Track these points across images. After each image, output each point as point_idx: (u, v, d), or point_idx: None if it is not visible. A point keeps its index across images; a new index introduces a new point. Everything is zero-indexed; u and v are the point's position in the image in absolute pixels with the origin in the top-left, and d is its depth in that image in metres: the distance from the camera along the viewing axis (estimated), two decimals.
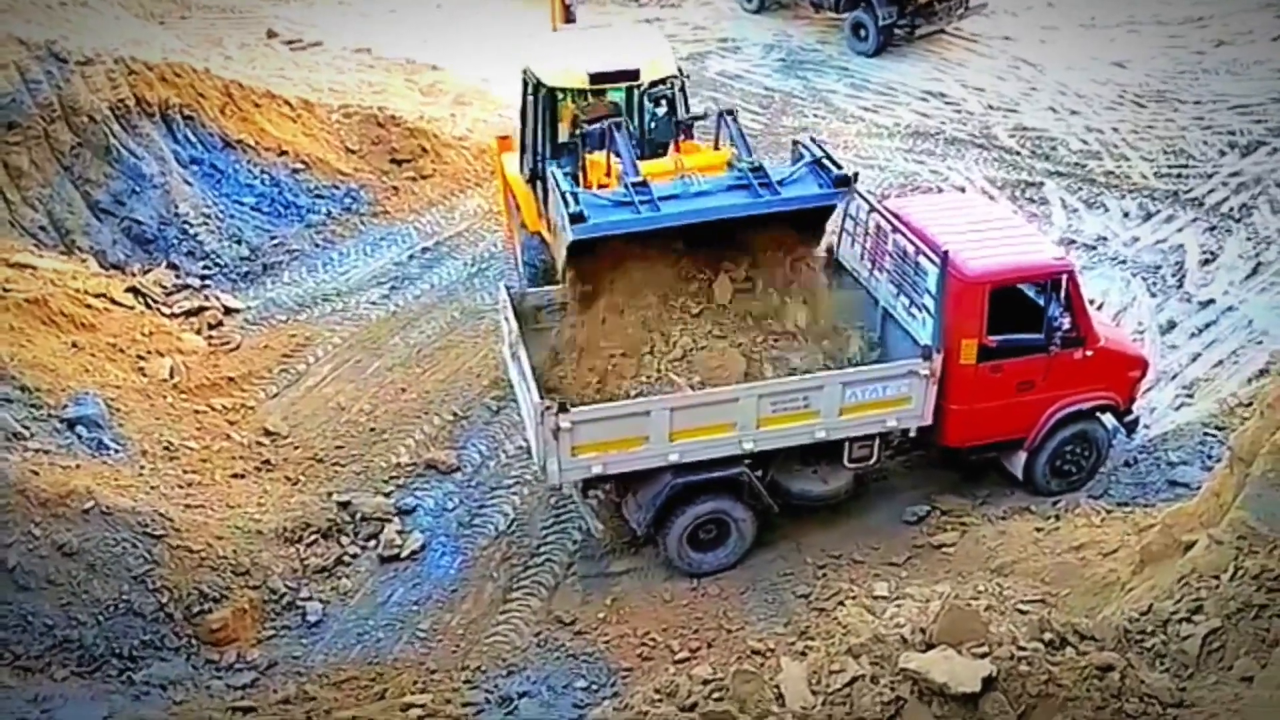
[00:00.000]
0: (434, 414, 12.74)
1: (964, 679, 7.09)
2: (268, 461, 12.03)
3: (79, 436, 11.20)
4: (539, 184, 12.94)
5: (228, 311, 14.45)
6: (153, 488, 10.94)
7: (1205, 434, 11.69)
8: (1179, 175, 17.03)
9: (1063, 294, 10.55)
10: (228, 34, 21.00)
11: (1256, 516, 7.68)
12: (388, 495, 11.65)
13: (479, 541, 11.19)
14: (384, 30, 22.53)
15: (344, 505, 11.41)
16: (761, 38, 22.89)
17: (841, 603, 9.82)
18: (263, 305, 14.70)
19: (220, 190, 15.76)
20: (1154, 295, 14.36)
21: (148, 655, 9.73)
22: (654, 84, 12.98)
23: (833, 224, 11.27)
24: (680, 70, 13.29)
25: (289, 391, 13.15)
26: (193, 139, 15.82)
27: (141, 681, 9.55)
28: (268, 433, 12.40)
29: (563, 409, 9.59)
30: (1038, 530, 10.38)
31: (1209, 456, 11.29)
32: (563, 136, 13.02)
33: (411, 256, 15.67)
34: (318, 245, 15.81)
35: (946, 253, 10.03)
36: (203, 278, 14.92)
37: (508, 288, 11.47)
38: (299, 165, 16.32)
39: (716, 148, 12.69)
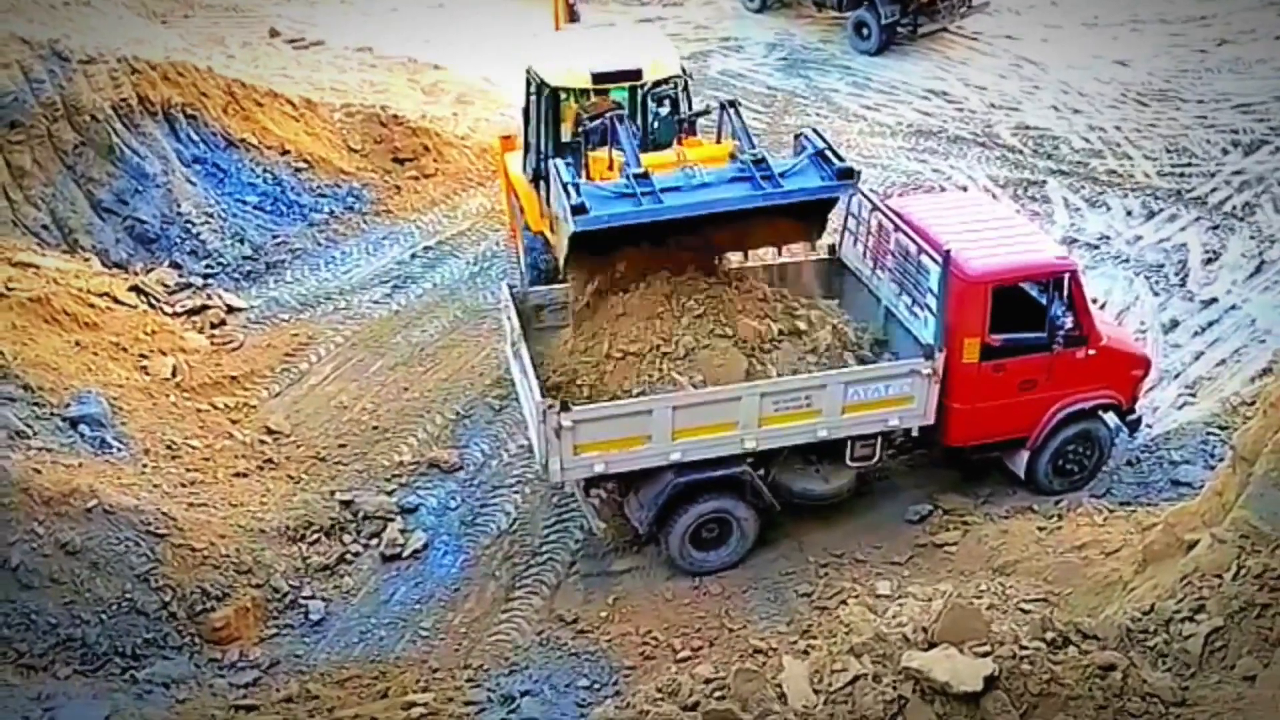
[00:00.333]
0: (436, 413, 12.74)
1: (966, 678, 7.10)
2: (270, 460, 12.03)
3: (82, 435, 11.20)
4: (542, 184, 12.95)
5: (230, 310, 14.44)
6: (155, 486, 10.95)
7: (1208, 433, 11.69)
8: (1182, 174, 17.02)
9: (1065, 293, 10.54)
10: (230, 33, 21.04)
11: (1259, 516, 7.69)
12: (390, 494, 11.65)
13: (481, 540, 11.19)
14: (386, 29, 22.54)
15: (346, 504, 11.41)
16: (764, 37, 22.90)
17: (844, 601, 9.82)
18: (265, 304, 14.70)
19: (223, 189, 15.76)
20: (1156, 294, 14.35)
21: (150, 653, 9.73)
22: (657, 84, 12.99)
23: (835, 222, 11.25)
24: (683, 70, 13.30)
25: (291, 390, 13.16)
26: (195, 138, 15.82)
27: (144, 680, 9.54)
28: (270, 431, 12.40)
29: (564, 408, 9.59)
30: (1040, 529, 10.38)
31: (1211, 456, 11.30)
32: (566, 136, 13.02)
33: (414, 255, 15.66)
34: (320, 244, 15.80)
35: (949, 252, 10.01)
36: (205, 277, 14.91)
37: (510, 286, 11.48)
38: (301, 164, 16.32)
39: (719, 141, 12.68)
